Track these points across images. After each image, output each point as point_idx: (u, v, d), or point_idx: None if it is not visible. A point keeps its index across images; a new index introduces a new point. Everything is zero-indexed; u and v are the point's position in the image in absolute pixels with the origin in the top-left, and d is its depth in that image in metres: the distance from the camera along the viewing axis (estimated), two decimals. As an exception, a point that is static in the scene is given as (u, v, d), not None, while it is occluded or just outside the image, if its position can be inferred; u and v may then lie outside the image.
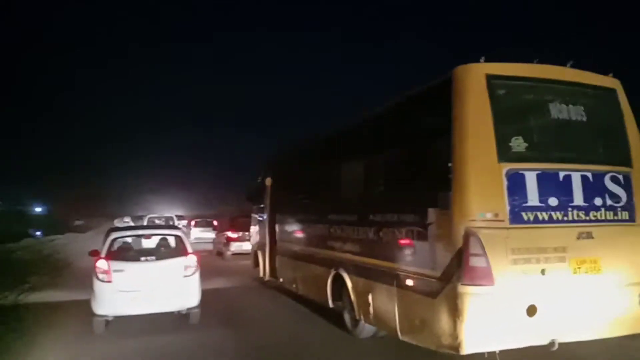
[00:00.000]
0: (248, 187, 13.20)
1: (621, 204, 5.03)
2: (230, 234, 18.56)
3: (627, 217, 5.04)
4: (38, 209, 60.47)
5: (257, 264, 11.69)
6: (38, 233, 37.23)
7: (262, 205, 11.32)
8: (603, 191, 4.96)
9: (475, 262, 4.45)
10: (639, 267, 4.97)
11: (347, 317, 7.00)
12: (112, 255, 7.67)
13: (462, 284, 4.47)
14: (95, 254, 7.71)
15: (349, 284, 6.75)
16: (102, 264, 7.45)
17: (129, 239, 8.72)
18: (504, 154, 4.66)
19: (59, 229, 33.26)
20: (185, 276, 7.74)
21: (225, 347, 6.76)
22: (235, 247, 18.09)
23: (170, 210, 38.67)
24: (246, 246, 16.09)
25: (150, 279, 7.55)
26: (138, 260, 7.80)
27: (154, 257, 7.89)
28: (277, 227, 10.34)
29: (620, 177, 5.08)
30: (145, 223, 23.04)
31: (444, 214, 4.74)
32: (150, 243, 9.01)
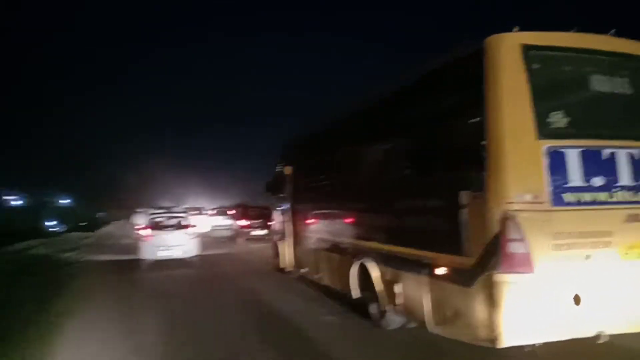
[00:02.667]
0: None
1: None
2: (241, 222, 22.65)
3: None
4: (64, 201, 63.59)
5: (277, 255, 11.46)
6: (53, 223, 39.68)
7: (282, 195, 11.05)
8: None
9: (514, 248, 4.10)
10: None
11: (372, 308, 6.70)
12: (150, 227, 14.45)
13: (499, 272, 4.13)
14: (140, 227, 15.02)
15: (375, 273, 6.44)
16: (144, 231, 14.30)
17: (159, 218, 15.32)
18: (543, 130, 4.27)
19: (79, 221, 35.22)
20: (189, 239, 14.35)
21: (208, 275, 12.34)
22: (244, 233, 22.28)
23: (204, 201, 45.09)
24: (254, 232, 21.80)
25: (170, 239, 14.10)
26: (163, 229, 14.52)
27: (173, 228, 14.66)
28: (298, 216, 10.07)
29: None
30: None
31: (478, 196, 4.39)
32: (172, 220, 15.20)
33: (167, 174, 60.17)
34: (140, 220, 20.61)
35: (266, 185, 12.45)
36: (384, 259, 6.23)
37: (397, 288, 5.82)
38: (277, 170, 11.62)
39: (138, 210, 27.27)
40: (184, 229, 14.54)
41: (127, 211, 39.89)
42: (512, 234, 4.10)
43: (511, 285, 4.11)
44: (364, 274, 6.80)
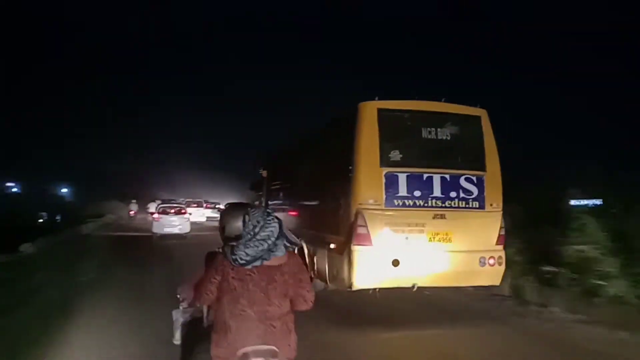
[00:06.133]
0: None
1: (473, 196, 7.40)
2: None
3: (478, 206, 7.41)
4: (64, 190, 63.63)
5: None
6: (44, 214, 39.14)
7: (259, 193, 14.03)
8: (458, 188, 7.34)
9: (360, 230, 6.95)
10: (481, 239, 7.35)
11: (306, 275, 9.58)
12: (159, 212, 22.12)
13: (353, 245, 6.99)
14: (152, 213, 24.16)
15: (306, 250, 9.32)
16: (155, 215, 22.14)
17: (165, 206, 23.13)
18: (384, 161, 7.11)
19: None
20: (185, 221, 21.75)
21: (194, 242, 18.56)
22: None
23: (204, 196, 47.79)
24: None
25: (173, 221, 21.39)
26: (168, 214, 21.81)
27: (174, 213, 21.93)
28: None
29: (474, 178, 7.44)
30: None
31: (347, 200, 7.26)
32: (174, 209, 22.53)
33: (173, 169, 65.19)
34: (134, 207, 35.81)
35: (250, 185, 15.45)
36: (310, 240, 9.11)
37: (315, 259, 8.71)
38: (259, 173, 14.56)
39: (132, 201, 32.94)
40: (181, 214, 22.05)
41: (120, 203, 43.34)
42: (360, 222, 6.96)
43: (359, 252, 6.96)
44: (302, 251, 9.69)
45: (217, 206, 38.22)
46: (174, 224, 20.68)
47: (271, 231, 2.62)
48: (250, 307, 2.58)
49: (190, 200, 38.11)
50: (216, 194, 52.65)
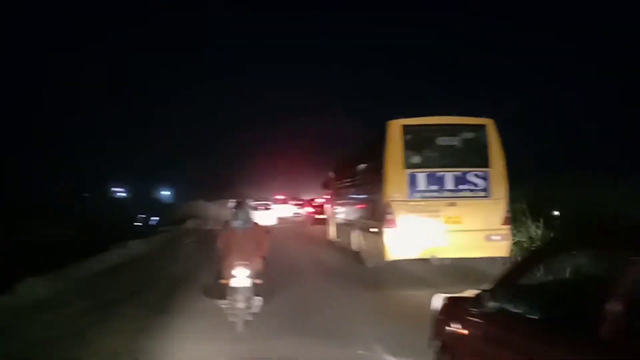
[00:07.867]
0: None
1: (479, 188, 9.52)
2: (309, 209, 31.74)
3: (483, 195, 9.52)
4: (166, 193, 67.08)
5: (327, 230, 17.19)
6: (142, 216, 39.99)
7: (329, 192, 16.73)
8: (466, 181, 9.50)
9: (389, 217, 9.38)
10: (486, 221, 9.44)
11: (361, 255, 12.07)
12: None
13: (384, 228, 9.44)
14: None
15: (360, 235, 11.85)
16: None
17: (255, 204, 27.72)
18: (407, 165, 9.46)
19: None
20: (271, 215, 28.30)
21: (277, 231, 20.92)
22: (311, 217, 30.39)
23: (291, 192, 50.39)
24: (316, 216, 28.13)
25: (261, 215, 24.36)
26: (257, 210, 26.02)
27: (263, 209, 28.08)
28: (335, 206, 15.69)
29: (481, 174, 9.57)
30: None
31: (381, 195, 9.71)
32: (262, 205, 29.10)
33: (262, 169, 69.90)
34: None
35: (321, 184, 18.23)
36: (361, 227, 11.64)
37: (365, 241, 11.22)
38: (328, 174, 17.27)
39: (232, 200, 37.34)
40: (268, 210, 29.01)
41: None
42: (388, 211, 9.39)
43: (388, 233, 9.39)
44: (356, 236, 12.24)
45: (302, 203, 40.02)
46: (262, 218, 24.26)
47: (246, 214, 6.65)
48: (238, 245, 6.46)
49: (279, 197, 42.28)
50: (303, 190, 55.53)
